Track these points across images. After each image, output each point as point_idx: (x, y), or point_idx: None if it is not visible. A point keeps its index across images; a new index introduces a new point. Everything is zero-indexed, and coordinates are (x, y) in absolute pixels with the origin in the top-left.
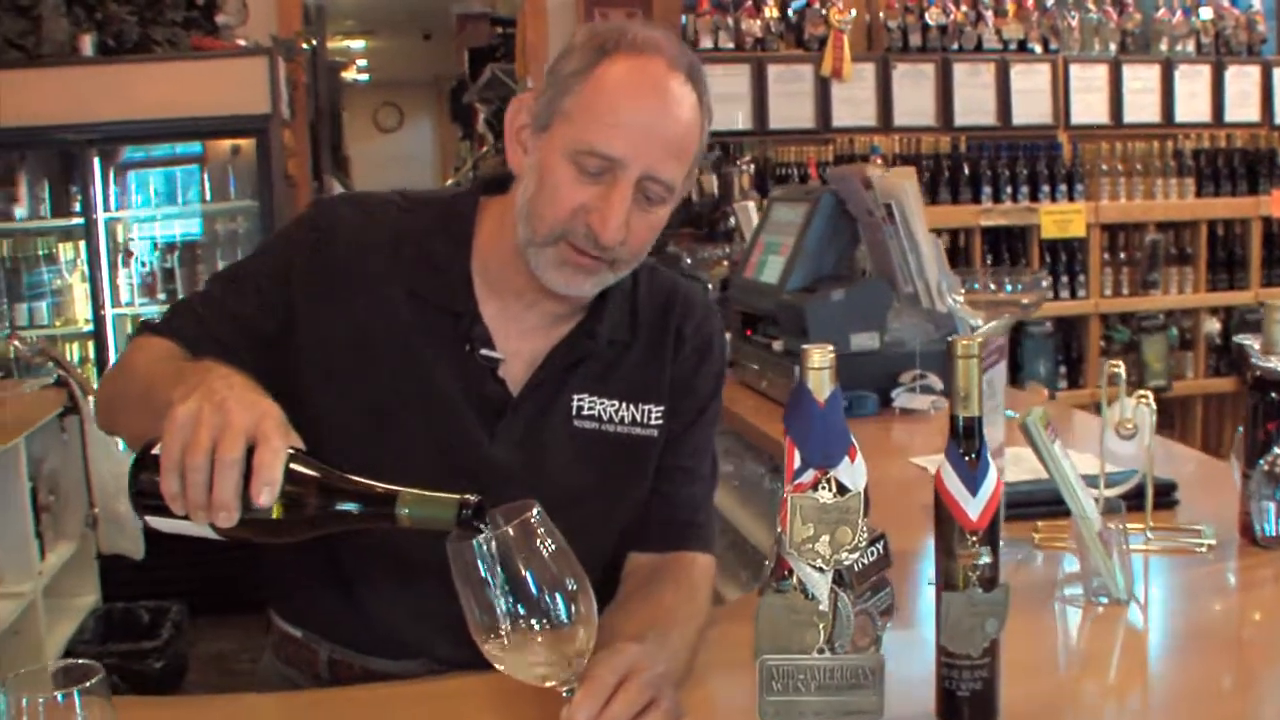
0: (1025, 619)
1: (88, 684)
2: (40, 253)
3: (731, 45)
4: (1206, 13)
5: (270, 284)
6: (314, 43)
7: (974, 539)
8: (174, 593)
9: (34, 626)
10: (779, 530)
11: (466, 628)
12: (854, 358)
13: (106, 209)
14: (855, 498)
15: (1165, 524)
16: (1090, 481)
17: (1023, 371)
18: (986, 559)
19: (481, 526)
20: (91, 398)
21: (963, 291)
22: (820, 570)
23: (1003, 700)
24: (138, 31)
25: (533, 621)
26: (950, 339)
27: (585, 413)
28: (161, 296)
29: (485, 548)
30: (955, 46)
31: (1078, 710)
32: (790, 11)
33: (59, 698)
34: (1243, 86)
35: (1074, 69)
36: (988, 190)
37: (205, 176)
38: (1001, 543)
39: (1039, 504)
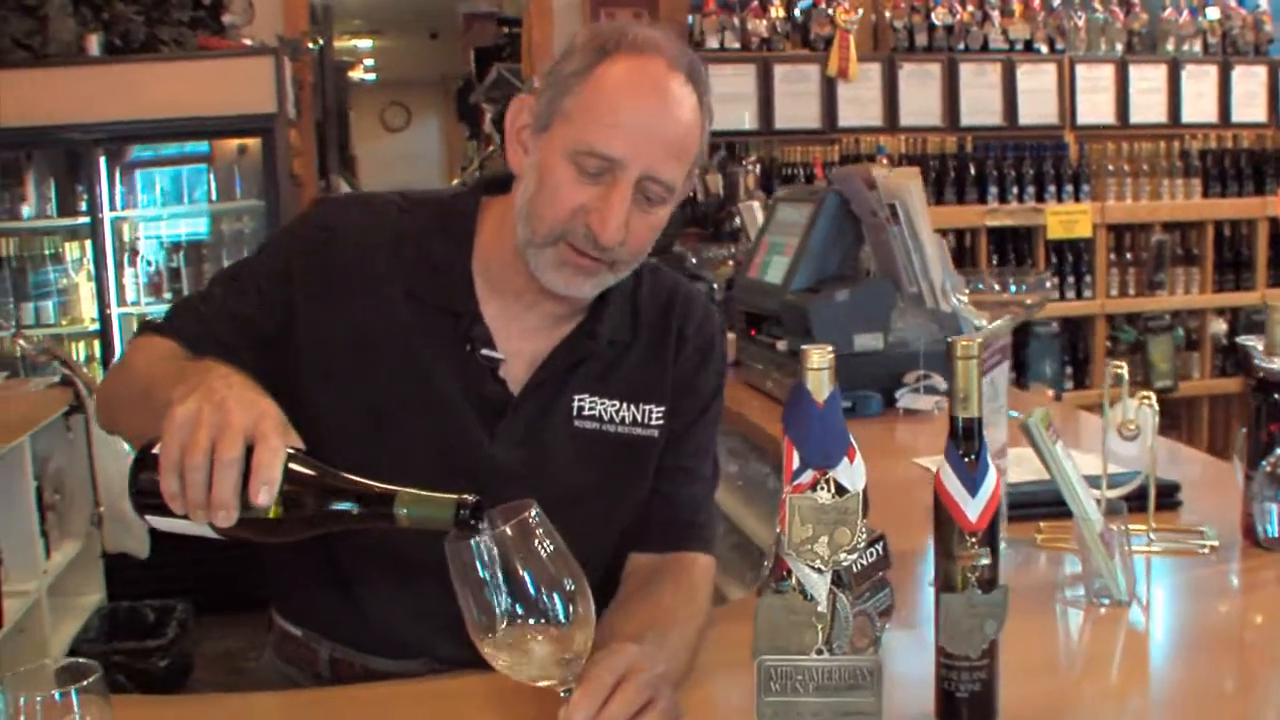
0: (1026, 620)
1: (85, 682)
2: (46, 252)
3: (737, 45)
4: (1213, 13)
5: (271, 284)
6: (320, 42)
7: (973, 540)
8: (179, 591)
9: (39, 625)
10: (778, 531)
11: (466, 627)
12: (858, 358)
13: (113, 208)
14: (854, 498)
15: (1168, 525)
16: (1093, 482)
17: (1029, 372)
18: (986, 560)
19: (480, 527)
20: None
21: (967, 292)
22: (819, 571)
23: (1002, 701)
24: (144, 31)
25: (530, 622)
26: (950, 340)
27: (586, 413)
28: (167, 296)
29: (483, 548)
30: (961, 46)
31: (1078, 712)
32: (797, 11)
33: (56, 696)
34: (1249, 87)
35: (1080, 69)
36: (994, 190)
37: (211, 176)
38: (1004, 543)
39: (1041, 505)
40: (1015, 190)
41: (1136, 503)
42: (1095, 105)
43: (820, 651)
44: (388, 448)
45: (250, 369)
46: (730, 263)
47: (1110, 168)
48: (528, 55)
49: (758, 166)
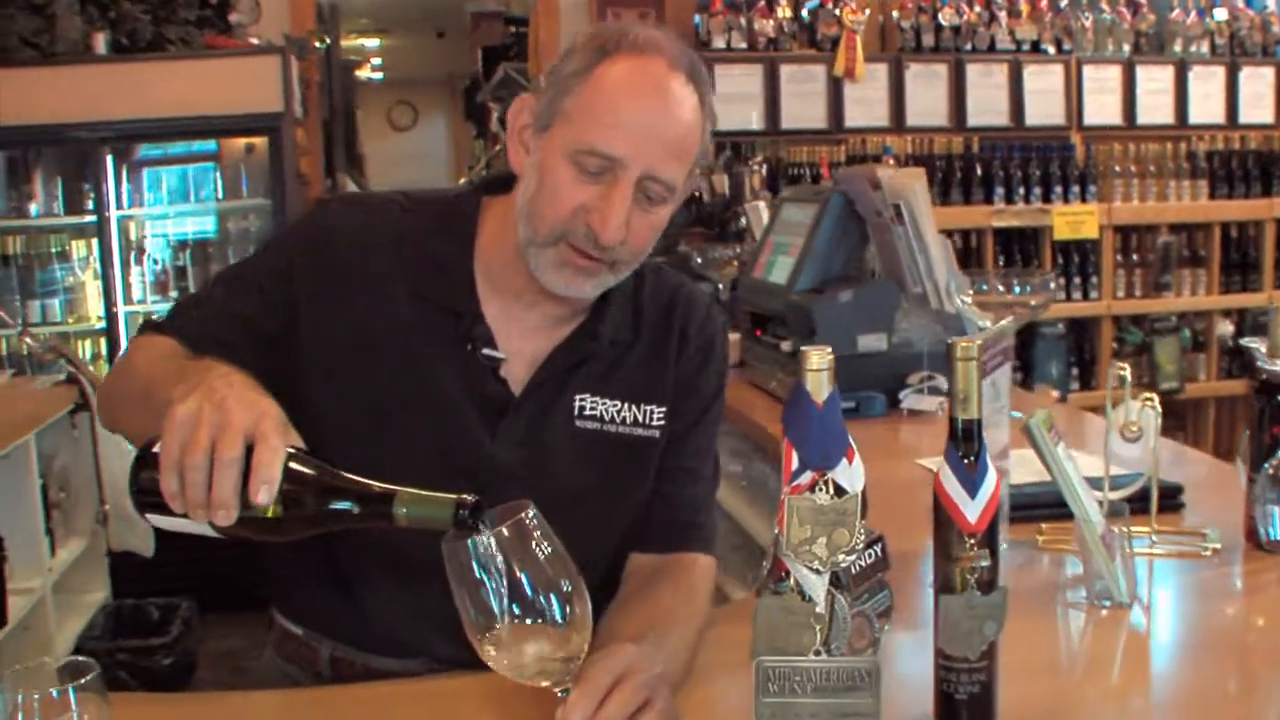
0: (1027, 621)
1: (83, 680)
2: (53, 250)
3: (744, 45)
4: (1221, 14)
5: (272, 283)
6: (327, 41)
7: (972, 541)
8: (184, 589)
9: (44, 622)
10: (776, 532)
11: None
12: (862, 358)
13: (119, 207)
14: (853, 499)
15: (1170, 527)
16: (1095, 484)
17: (1035, 373)
18: (985, 562)
19: (478, 526)
20: None
21: (971, 293)
22: (817, 572)
23: (1001, 703)
24: (151, 30)
25: (527, 622)
26: (950, 341)
27: (587, 413)
28: (174, 294)
29: (480, 548)
30: (968, 47)
31: (1077, 714)
32: (804, 12)
33: (54, 694)
34: (1257, 88)
35: (1087, 70)
36: (1000, 191)
37: (218, 175)
38: (1005, 545)
39: (1043, 506)
40: (1022, 191)
41: (1139, 505)
42: (1102, 106)
43: (818, 653)
44: (389, 447)
45: (252, 368)
46: (735, 263)
47: (1117, 169)
48: (534, 55)
49: (764, 167)
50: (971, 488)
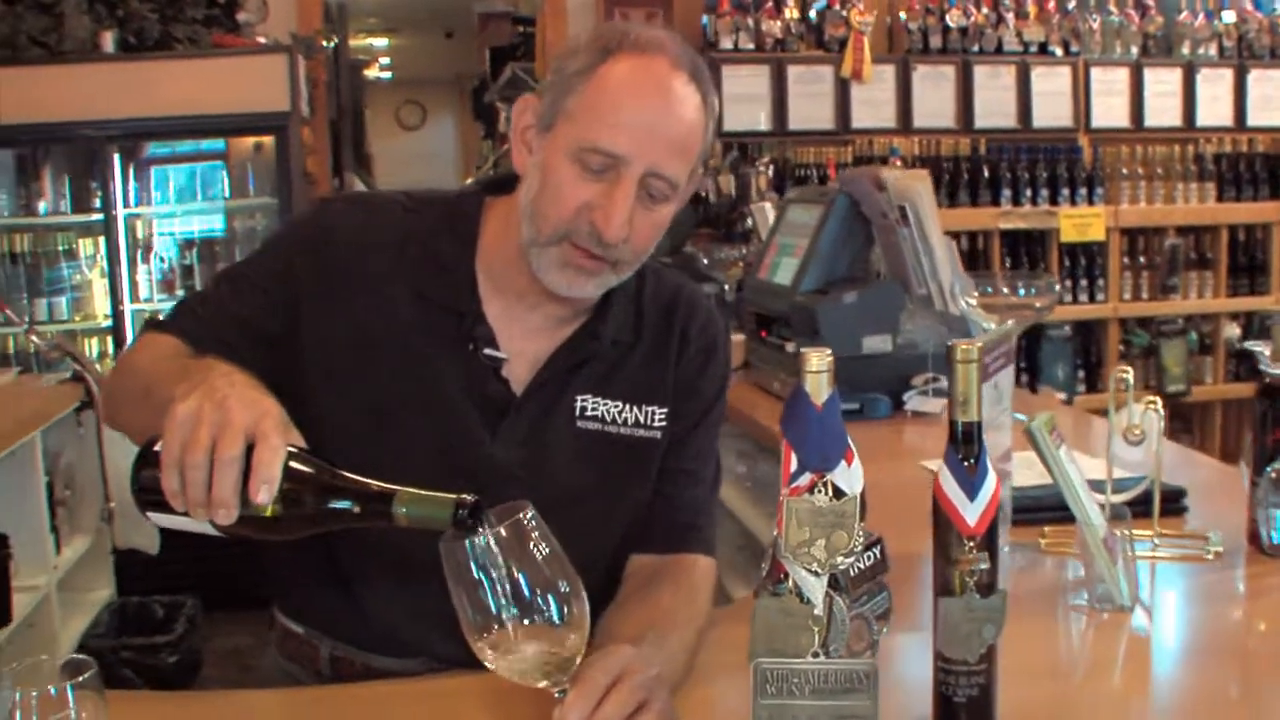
0: (1028, 624)
1: (81, 678)
2: (61, 248)
3: (752, 46)
4: (1229, 16)
5: (273, 283)
6: (335, 40)
7: (972, 544)
8: (189, 587)
9: (49, 620)
10: (775, 533)
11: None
12: (866, 360)
13: (126, 205)
14: (851, 502)
15: (1173, 531)
16: (1098, 487)
17: (1041, 375)
18: (984, 564)
19: (477, 526)
20: None
21: (976, 294)
22: (815, 574)
23: (1000, 706)
24: (158, 29)
25: (525, 622)
26: (949, 344)
27: (588, 414)
28: (180, 292)
29: (477, 548)
30: (976, 48)
31: (1077, 717)
32: (812, 13)
33: (52, 691)
34: (1265, 90)
35: (1095, 72)
36: (1007, 193)
37: (225, 174)
38: (1008, 547)
39: (1045, 509)
40: (1029, 193)
41: (1142, 508)
42: (1110, 108)
43: (816, 654)
44: (389, 447)
45: (253, 368)
46: (741, 264)
47: (1124, 171)
48: (542, 55)
49: (770, 168)
50: (971, 490)
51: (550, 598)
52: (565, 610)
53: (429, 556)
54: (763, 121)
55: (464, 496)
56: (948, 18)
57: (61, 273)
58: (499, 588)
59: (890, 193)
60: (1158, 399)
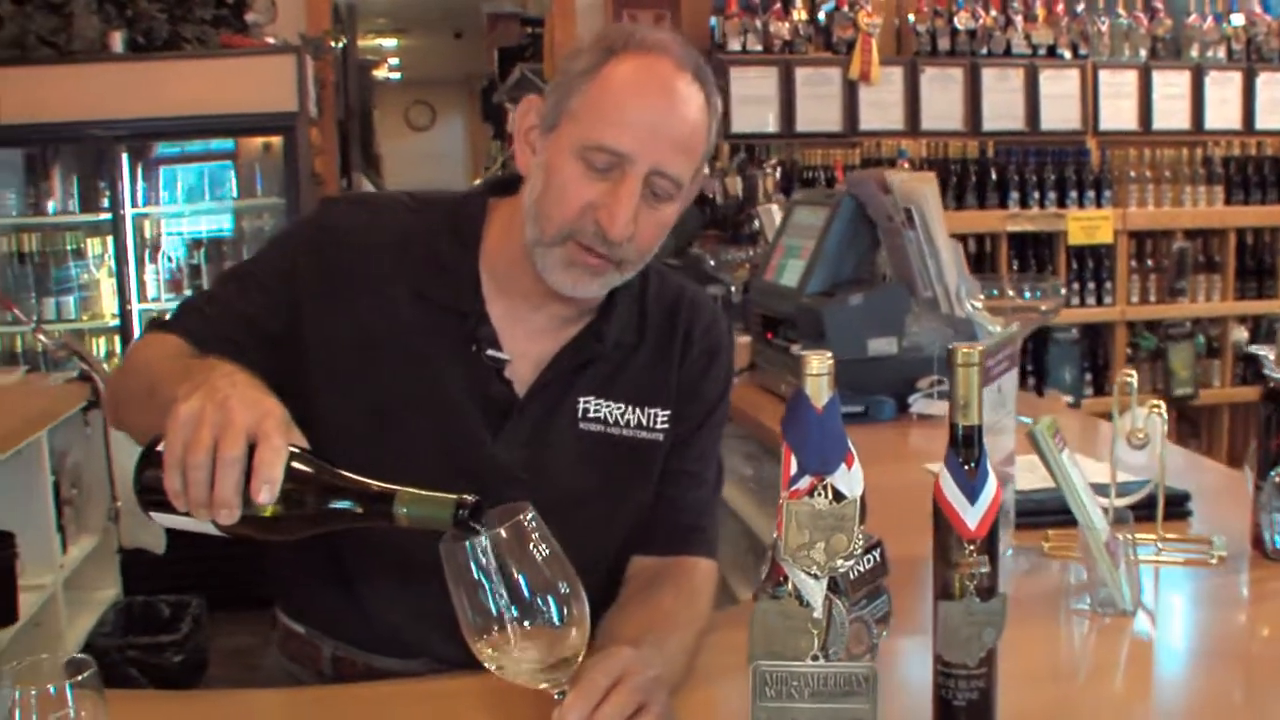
0: (1030, 628)
1: (80, 677)
2: (69, 247)
3: (760, 48)
4: (1238, 19)
5: (276, 283)
6: (344, 41)
7: (972, 548)
8: (194, 587)
9: (54, 619)
10: (774, 536)
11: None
12: (871, 363)
13: (134, 205)
14: (851, 505)
15: (1177, 535)
16: (1102, 491)
17: (1048, 378)
18: (985, 568)
19: (478, 527)
20: None
21: (981, 297)
22: (815, 577)
23: (1000, 710)
24: (167, 29)
25: (525, 624)
26: (950, 347)
27: (591, 415)
28: (187, 292)
29: (478, 550)
30: (984, 51)
31: None
32: (820, 15)
33: (51, 690)
34: (1274, 93)
35: (1103, 74)
36: (1015, 196)
37: (234, 174)
38: (1011, 550)
39: (1049, 513)
40: (1036, 195)
41: (1146, 512)
42: (1118, 111)
43: (816, 657)
44: (391, 447)
45: (256, 368)
46: (748, 265)
47: (1132, 174)
48: (550, 55)
49: (778, 169)
50: (971, 494)
51: (550, 599)
52: (565, 611)
53: (430, 557)
54: (770, 123)
55: (465, 497)
56: (956, 20)
57: (69, 272)
58: (499, 589)
59: (896, 195)
60: (1162, 403)
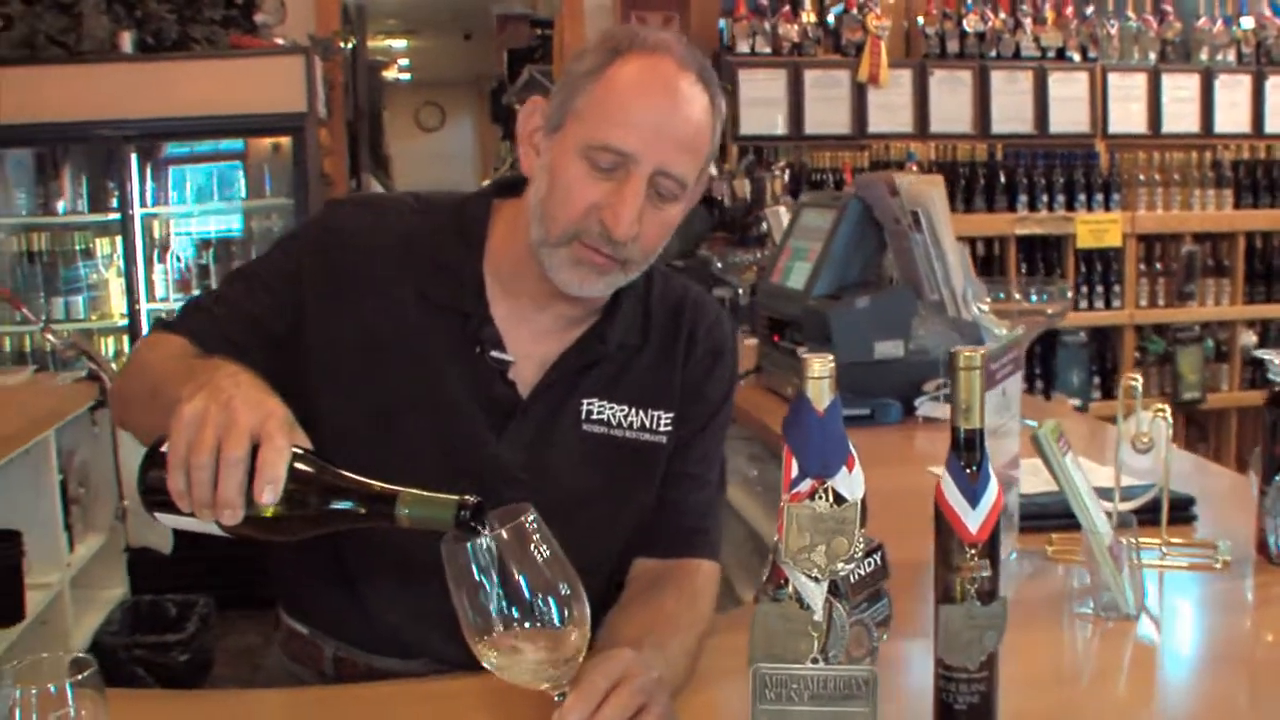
0: (1033, 632)
1: (80, 676)
2: (78, 247)
3: (769, 50)
4: (1248, 22)
5: (281, 284)
6: (353, 42)
7: (973, 551)
8: (201, 586)
9: (61, 618)
10: (775, 539)
11: None
12: (878, 365)
13: (143, 205)
14: (852, 508)
15: (1181, 539)
16: (1106, 495)
17: (1056, 382)
18: (986, 572)
19: (480, 528)
20: None
21: (988, 300)
22: (815, 580)
23: (1002, 714)
24: (177, 29)
25: (525, 625)
26: (952, 351)
27: (594, 417)
28: (196, 292)
29: (478, 551)
30: (993, 54)
31: None
32: (830, 17)
33: (52, 689)
34: None
35: (1113, 77)
36: (1023, 199)
37: (243, 174)
38: (1015, 554)
39: (1053, 516)
40: (1045, 199)
41: (1150, 516)
42: (1127, 114)
43: (816, 660)
44: (395, 449)
45: (260, 369)
46: (755, 268)
47: (1141, 177)
48: (559, 57)
49: (787, 172)
50: (973, 497)
51: (551, 600)
52: (566, 613)
53: (432, 558)
54: (779, 125)
55: (466, 498)
56: (965, 23)
57: (78, 272)
58: (499, 590)
59: (903, 198)
60: (1166, 406)
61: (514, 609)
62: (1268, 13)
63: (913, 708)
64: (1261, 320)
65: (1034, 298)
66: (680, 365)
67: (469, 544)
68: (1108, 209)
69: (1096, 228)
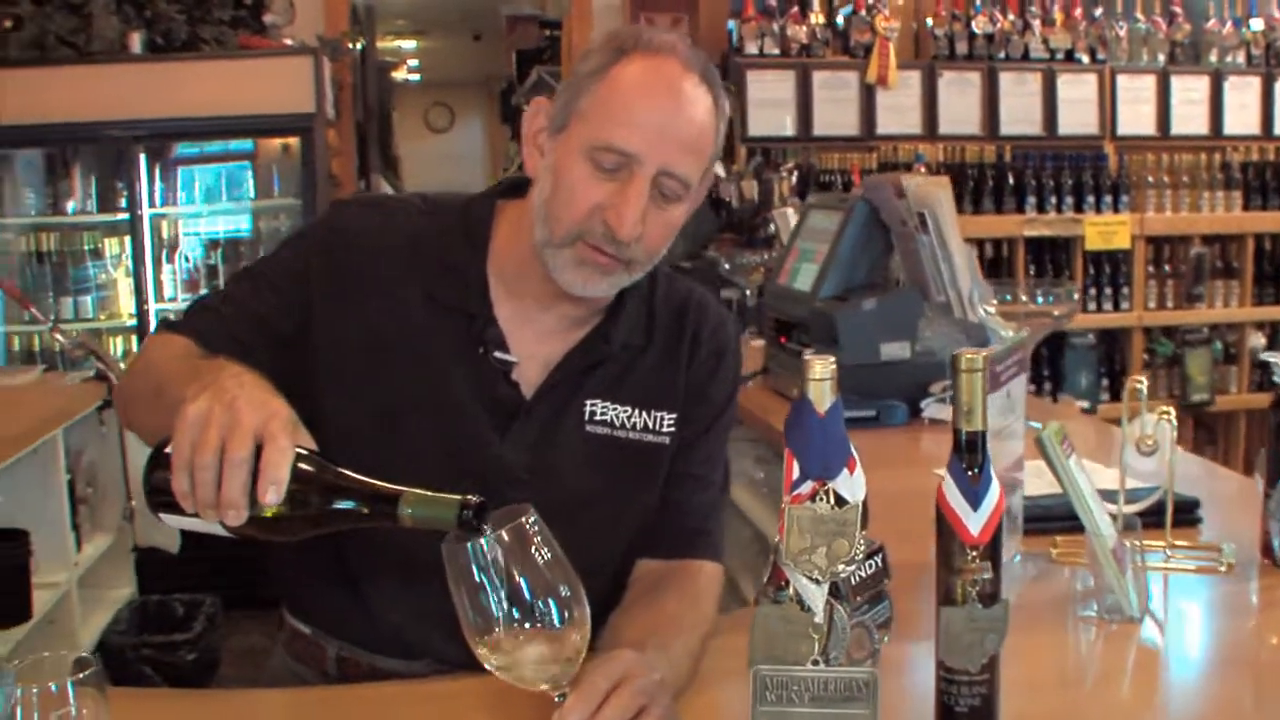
0: (1036, 635)
1: (81, 675)
2: (87, 247)
3: (777, 51)
4: (1257, 24)
5: (288, 283)
6: (362, 43)
7: (974, 554)
8: (209, 586)
9: (69, 617)
10: (776, 540)
11: None
12: (884, 367)
13: (152, 205)
14: (853, 510)
15: (1186, 542)
16: (1111, 497)
17: (1064, 384)
18: (987, 574)
19: (482, 528)
20: None
21: (994, 302)
22: (816, 582)
23: (1003, 716)
24: (186, 30)
25: (526, 626)
26: (954, 353)
27: (598, 418)
28: (204, 292)
29: (479, 551)
30: (1002, 55)
31: None
32: (839, 19)
33: (53, 688)
34: None
35: (1121, 79)
36: (1032, 200)
37: (251, 174)
38: (1019, 556)
39: (1057, 519)
40: (1054, 200)
41: (1155, 519)
42: (1136, 116)
43: (816, 662)
44: (399, 449)
45: (266, 368)
46: (763, 269)
47: (1150, 179)
48: (568, 58)
49: (795, 173)
50: (974, 500)
51: (551, 602)
52: (566, 614)
53: (434, 558)
54: (788, 127)
55: (469, 498)
56: (974, 24)
57: (87, 272)
58: (500, 591)
59: (910, 199)
60: (1171, 409)
61: (514, 610)
62: (1278, 14)
63: (914, 710)
64: (1270, 322)
65: (1040, 300)
66: (684, 366)
67: (469, 545)
68: (1116, 211)
69: (1105, 229)
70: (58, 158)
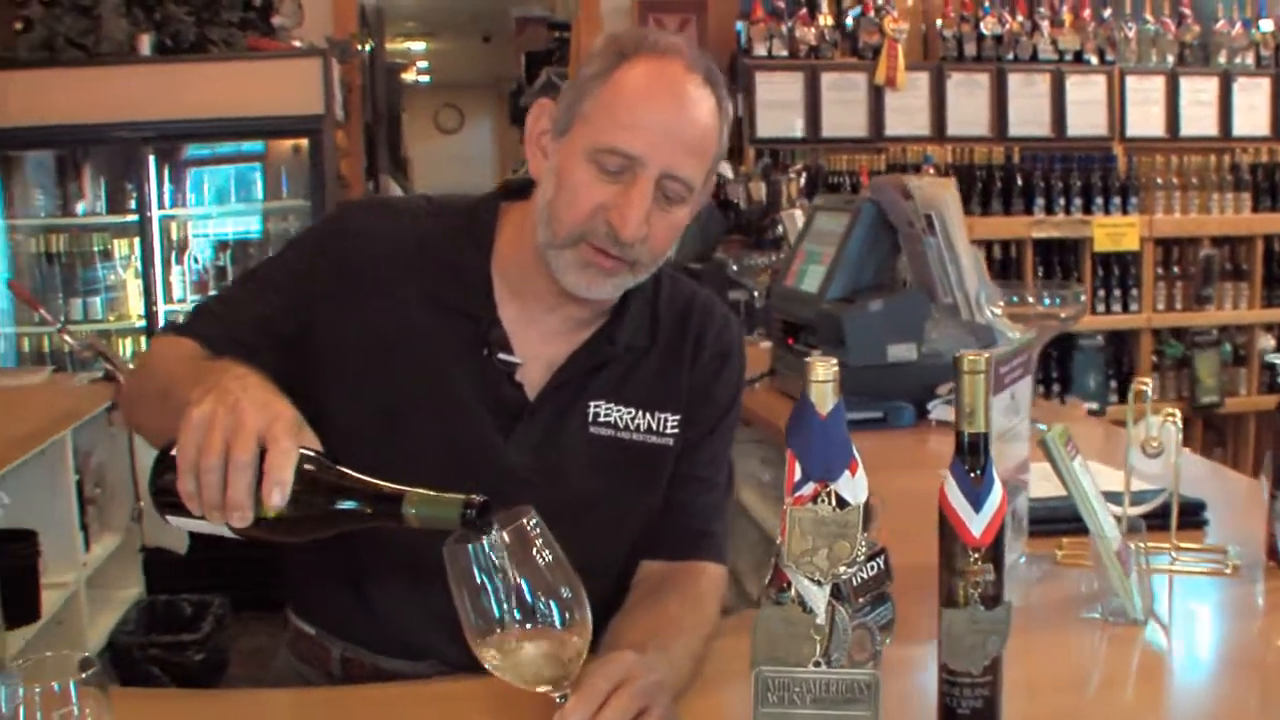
0: (1040, 637)
1: (84, 675)
2: (96, 249)
3: (786, 53)
4: (1266, 25)
5: (292, 284)
6: (371, 44)
7: (976, 555)
8: (217, 587)
9: (77, 617)
10: (777, 542)
11: None
12: (891, 369)
13: (162, 206)
14: (854, 512)
15: (1192, 544)
16: (1116, 499)
17: (1073, 386)
18: (989, 576)
19: (485, 527)
20: None
21: (1001, 304)
22: (818, 583)
23: (1005, 719)
24: (195, 32)
25: (527, 627)
26: (957, 354)
27: (602, 419)
28: (213, 293)
29: (480, 552)
30: (1010, 56)
31: None
32: (848, 20)
33: (55, 687)
34: None
35: (1130, 80)
36: (1040, 202)
37: (261, 176)
38: (1024, 558)
39: (1062, 521)
40: (1062, 202)
41: (1160, 521)
42: (1145, 117)
43: (818, 664)
44: (402, 450)
45: (270, 370)
46: (770, 270)
47: (1159, 180)
48: (576, 60)
49: (803, 175)
50: (976, 501)
51: (552, 603)
52: (567, 616)
53: (438, 559)
54: (796, 128)
55: (472, 497)
56: (982, 25)
57: (97, 273)
58: (501, 592)
59: (917, 201)
60: (1176, 411)
61: (515, 611)
62: None
63: (916, 712)
64: (1279, 324)
65: (1047, 301)
66: (688, 368)
67: (470, 546)
68: (1125, 212)
69: (1114, 231)
70: (67, 159)
